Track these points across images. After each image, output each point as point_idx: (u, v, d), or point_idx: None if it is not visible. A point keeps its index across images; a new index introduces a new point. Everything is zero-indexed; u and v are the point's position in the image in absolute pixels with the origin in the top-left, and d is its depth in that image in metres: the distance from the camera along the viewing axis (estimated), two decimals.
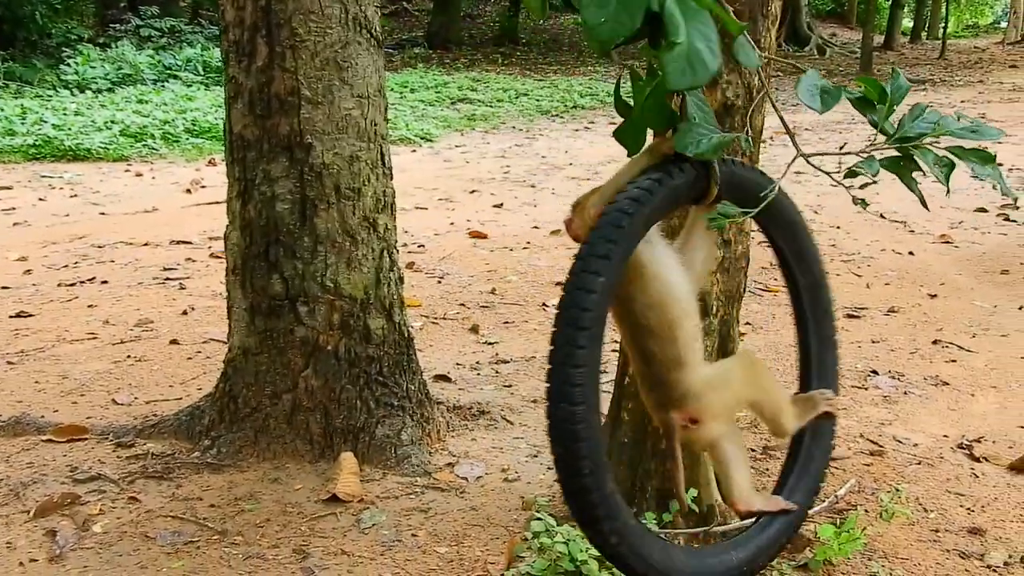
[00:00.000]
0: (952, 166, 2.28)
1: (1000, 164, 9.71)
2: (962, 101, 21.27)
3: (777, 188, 2.66)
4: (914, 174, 2.59)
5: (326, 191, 4.46)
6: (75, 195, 11.24)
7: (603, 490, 2.41)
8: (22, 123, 14.49)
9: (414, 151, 14.90)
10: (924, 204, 2.54)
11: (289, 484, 4.32)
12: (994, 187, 2.41)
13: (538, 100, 21.78)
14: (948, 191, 2.62)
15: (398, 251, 4.77)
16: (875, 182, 2.43)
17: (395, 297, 4.70)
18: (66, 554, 3.81)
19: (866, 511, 4.16)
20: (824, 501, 4.17)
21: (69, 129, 14.34)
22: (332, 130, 4.44)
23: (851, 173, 2.41)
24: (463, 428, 4.95)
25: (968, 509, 4.26)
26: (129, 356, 6.02)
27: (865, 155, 2.33)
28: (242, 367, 4.62)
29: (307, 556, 3.80)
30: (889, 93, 2.25)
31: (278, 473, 4.41)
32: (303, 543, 3.90)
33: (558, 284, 7.68)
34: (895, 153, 2.39)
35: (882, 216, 10.25)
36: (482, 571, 3.69)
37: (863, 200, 2.59)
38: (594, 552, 3.64)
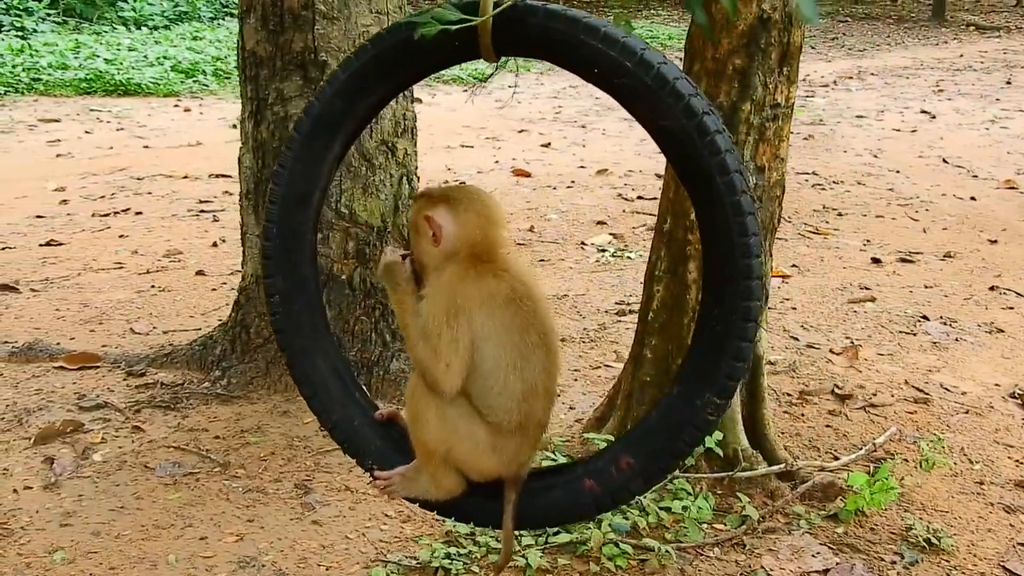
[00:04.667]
0: None
1: None
2: None
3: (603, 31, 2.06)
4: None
5: None
6: (121, 128, 11.13)
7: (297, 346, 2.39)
8: (75, 57, 14.39)
9: (465, 90, 14.61)
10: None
11: (298, 417, 4.15)
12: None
13: None
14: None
15: (418, 178, 4.54)
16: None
17: None
18: (62, 482, 3.67)
19: (905, 460, 3.90)
20: (861, 449, 3.92)
21: (121, 64, 14.23)
22: (348, 47, 4.20)
23: None
24: None
25: (1017, 461, 3.98)
26: (153, 286, 5.88)
27: None
28: (255, 296, 4.44)
29: (309, 491, 3.64)
30: None
31: (288, 406, 4.24)
32: (306, 478, 3.73)
33: (599, 223, 7.43)
34: None
35: (944, 161, 9.81)
36: None
37: None
38: None
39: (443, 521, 3.44)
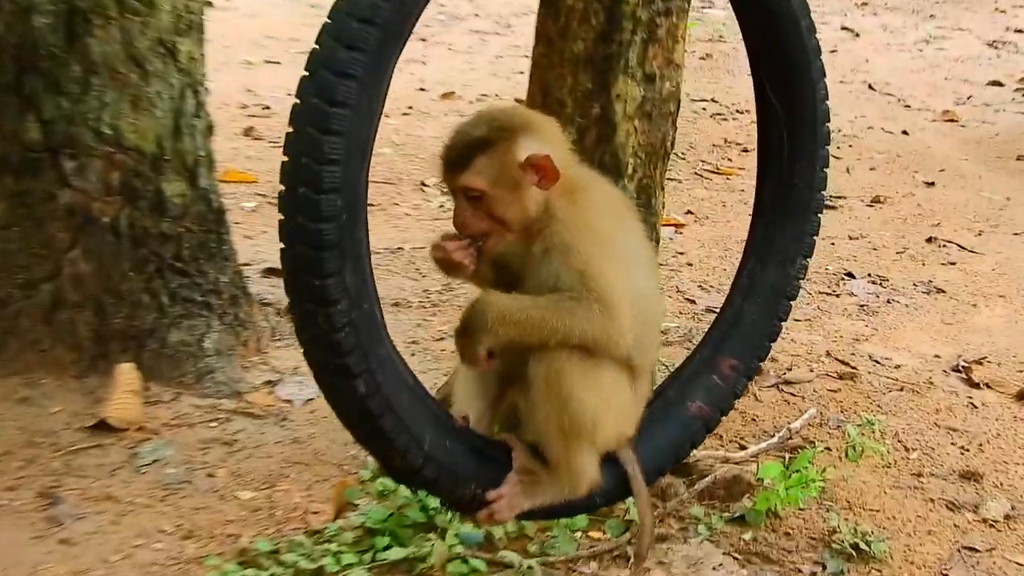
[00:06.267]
0: None
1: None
2: None
3: None
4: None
5: (103, 1, 4.05)
6: None
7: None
8: None
9: None
10: None
11: (43, 405, 3.99)
12: None
13: None
14: None
15: (207, 90, 4.39)
16: None
17: (202, 154, 4.33)
18: None
19: (828, 449, 3.94)
20: (773, 436, 3.95)
21: None
22: None
23: None
24: (295, 336, 4.63)
25: (962, 448, 4.07)
26: None
27: None
28: None
29: (57, 501, 3.47)
30: None
31: (29, 391, 4.06)
32: (53, 484, 3.56)
33: None
34: None
35: (871, 87, 10.06)
36: (300, 523, 3.40)
37: None
38: None
39: (237, 536, 3.34)
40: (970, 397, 4.44)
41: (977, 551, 3.45)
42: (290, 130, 2.28)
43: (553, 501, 2.54)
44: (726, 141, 8.06)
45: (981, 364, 4.70)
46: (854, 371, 4.57)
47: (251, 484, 3.62)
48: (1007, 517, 3.64)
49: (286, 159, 2.28)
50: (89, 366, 4.15)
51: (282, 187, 2.31)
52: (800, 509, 3.53)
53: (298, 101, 2.27)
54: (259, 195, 6.42)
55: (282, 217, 2.31)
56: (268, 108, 8.42)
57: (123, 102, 4.12)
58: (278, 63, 10.14)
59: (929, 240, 6.23)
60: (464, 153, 2.36)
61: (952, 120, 9.07)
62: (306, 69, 2.27)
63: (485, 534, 3.30)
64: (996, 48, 12.03)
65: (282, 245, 2.31)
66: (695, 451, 3.70)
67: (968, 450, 4.05)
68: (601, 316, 2.33)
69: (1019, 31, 12.99)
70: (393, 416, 2.31)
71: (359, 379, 2.26)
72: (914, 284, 5.57)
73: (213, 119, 4.47)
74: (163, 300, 4.22)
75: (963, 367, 4.67)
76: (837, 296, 5.37)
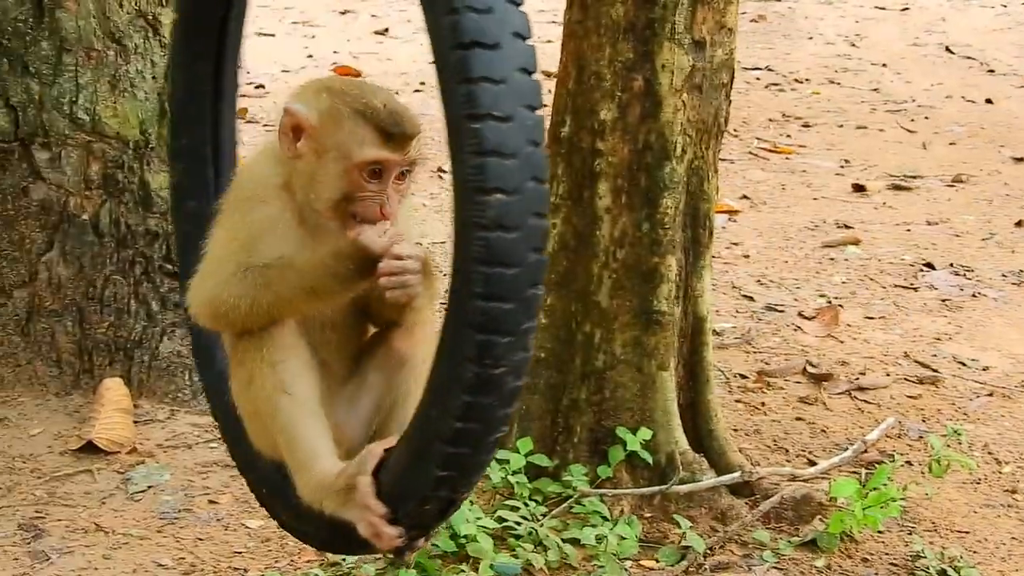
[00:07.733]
0: None
1: None
2: None
3: None
4: None
5: None
6: None
7: None
8: None
9: None
10: None
11: (21, 427, 4.06)
12: None
13: None
14: None
15: None
16: None
17: None
18: None
19: (909, 463, 3.98)
20: (846, 449, 3.99)
21: None
22: None
23: None
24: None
25: None
26: None
27: None
28: None
29: (41, 534, 3.53)
30: None
31: (5, 410, 4.13)
32: (36, 515, 3.62)
33: None
34: None
35: (948, 50, 10.07)
36: (315, 554, 3.45)
37: None
38: (485, 524, 3.43)
39: (245, 570, 3.40)
40: None
41: None
42: (492, 116, 1.84)
43: None
44: (784, 116, 8.08)
45: None
46: (936, 374, 4.61)
47: (259, 511, 3.63)
48: None
49: (485, 152, 1.85)
50: (72, 382, 4.22)
51: (490, 190, 1.85)
52: (879, 532, 3.57)
53: (485, 78, 1.83)
54: None
55: (496, 229, 1.86)
56: (262, 87, 8.49)
57: (101, 83, 4.18)
58: (272, 36, 10.21)
59: (1019, 224, 6.25)
60: (418, 127, 2.28)
61: None
62: (476, 37, 1.85)
63: (524, 563, 3.36)
64: None
65: (489, 266, 1.86)
66: (757, 468, 3.80)
67: None
68: None
69: None
70: None
71: None
72: (1003, 274, 5.59)
73: None
74: (152, 306, 4.29)
75: None
76: (915, 290, 5.40)
